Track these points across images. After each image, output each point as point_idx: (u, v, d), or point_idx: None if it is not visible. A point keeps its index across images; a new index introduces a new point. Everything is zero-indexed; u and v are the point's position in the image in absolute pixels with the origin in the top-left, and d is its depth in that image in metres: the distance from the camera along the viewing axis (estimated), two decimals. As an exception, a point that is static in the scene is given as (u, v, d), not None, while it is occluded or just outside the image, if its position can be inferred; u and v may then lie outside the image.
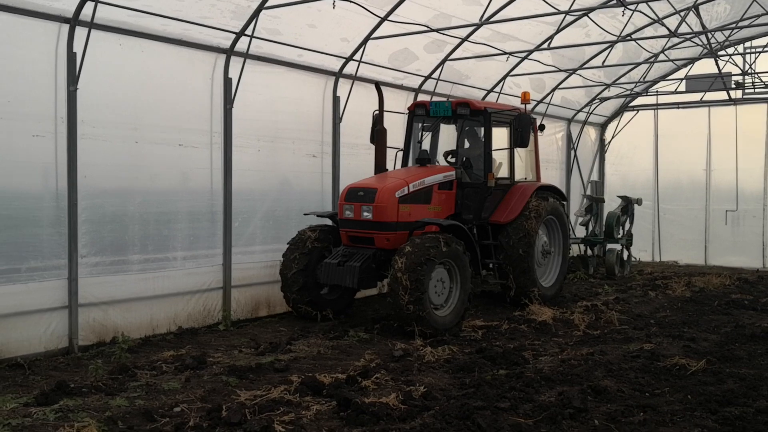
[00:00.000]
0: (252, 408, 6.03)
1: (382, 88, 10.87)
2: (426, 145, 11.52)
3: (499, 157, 11.58)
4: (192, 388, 6.81)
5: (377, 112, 10.79)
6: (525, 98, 10.98)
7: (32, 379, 7.10)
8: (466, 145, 11.49)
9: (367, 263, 9.61)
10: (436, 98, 12.95)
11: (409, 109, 11.47)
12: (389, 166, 11.05)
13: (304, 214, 10.52)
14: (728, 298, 12.41)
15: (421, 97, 13.01)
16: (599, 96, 17.56)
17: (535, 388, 6.80)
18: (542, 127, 12.38)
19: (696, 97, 17.36)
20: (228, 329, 9.53)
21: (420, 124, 11.52)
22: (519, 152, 11.71)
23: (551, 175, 17.35)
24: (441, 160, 11.57)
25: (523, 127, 10.51)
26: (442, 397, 6.53)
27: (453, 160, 11.24)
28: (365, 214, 9.69)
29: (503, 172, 11.65)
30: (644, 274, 15.78)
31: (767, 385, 6.89)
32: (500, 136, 11.63)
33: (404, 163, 11.45)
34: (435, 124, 11.49)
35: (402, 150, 11.44)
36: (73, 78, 7.95)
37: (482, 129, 11.09)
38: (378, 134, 10.77)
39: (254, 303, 10.28)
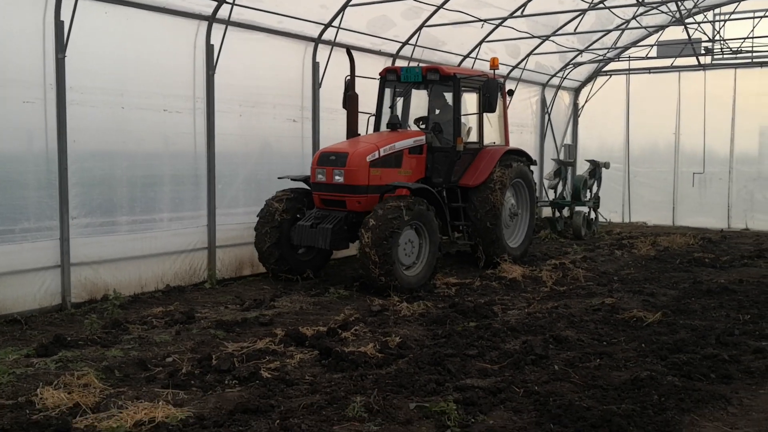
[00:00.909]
0: (240, 357, 6.51)
1: (355, 53, 11.15)
2: (398, 110, 11.80)
3: (470, 121, 11.93)
4: (182, 340, 7.27)
5: (349, 77, 11.06)
6: (494, 64, 11.26)
7: (29, 333, 7.51)
8: (437, 110, 11.79)
9: (339, 225, 9.94)
10: (413, 64, 13.29)
11: (380, 74, 11.69)
12: (362, 131, 11.38)
13: (278, 178, 10.81)
14: (690, 256, 13.02)
15: (399, 63, 13.32)
16: (573, 61, 17.98)
17: (501, 337, 7.35)
18: (511, 93, 12.66)
19: (667, 62, 17.84)
20: (213, 287, 9.97)
21: (391, 90, 11.77)
22: (489, 117, 12.03)
23: (526, 138, 17.84)
24: (414, 126, 11.87)
25: (491, 93, 10.84)
26: (415, 347, 7.06)
27: (423, 126, 11.53)
28: (337, 177, 9.99)
29: (473, 137, 12.00)
30: (613, 235, 16.41)
31: (716, 335, 7.46)
32: (472, 101, 11.99)
33: (376, 128, 11.72)
34: (406, 89, 11.77)
35: (374, 115, 11.73)
36: (61, 46, 8.23)
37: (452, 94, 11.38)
38: (349, 99, 11.04)
39: (238, 262, 10.70)
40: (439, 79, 11.18)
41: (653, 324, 8.02)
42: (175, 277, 9.80)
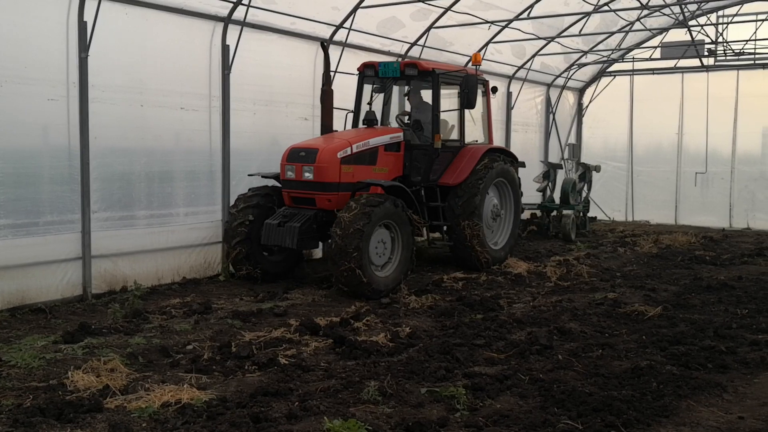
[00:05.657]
0: (258, 345, 6.82)
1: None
2: (379, 106, 11.56)
3: (452, 119, 11.78)
4: (201, 329, 7.59)
5: (324, 73, 10.93)
6: (476, 60, 11.01)
7: (54, 321, 7.83)
8: (416, 107, 11.44)
9: (308, 224, 9.64)
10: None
11: (358, 69, 11.37)
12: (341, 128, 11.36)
13: (249, 175, 10.67)
14: (692, 254, 13.26)
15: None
16: (577, 62, 18.23)
17: (507, 329, 7.66)
18: (495, 90, 12.31)
19: (670, 63, 18.06)
20: (228, 280, 10.27)
21: (370, 85, 11.49)
22: (472, 115, 11.75)
23: (530, 138, 18.14)
24: (395, 123, 11.71)
25: (470, 89, 10.59)
26: (425, 337, 7.37)
27: (408, 120, 11.26)
28: (306, 174, 9.69)
29: (455, 135, 11.81)
30: (616, 233, 16.65)
31: (714, 328, 7.74)
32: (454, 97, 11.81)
33: (354, 125, 11.41)
34: (385, 85, 11.53)
35: (352, 111, 11.48)
36: (84, 45, 8.53)
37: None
38: (324, 95, 10.93)
39: (251, 256, 10.97)
40: (418, 75, 10.83)
41: (654, 318, 8.30)
42: (191, 269, 10.11)
